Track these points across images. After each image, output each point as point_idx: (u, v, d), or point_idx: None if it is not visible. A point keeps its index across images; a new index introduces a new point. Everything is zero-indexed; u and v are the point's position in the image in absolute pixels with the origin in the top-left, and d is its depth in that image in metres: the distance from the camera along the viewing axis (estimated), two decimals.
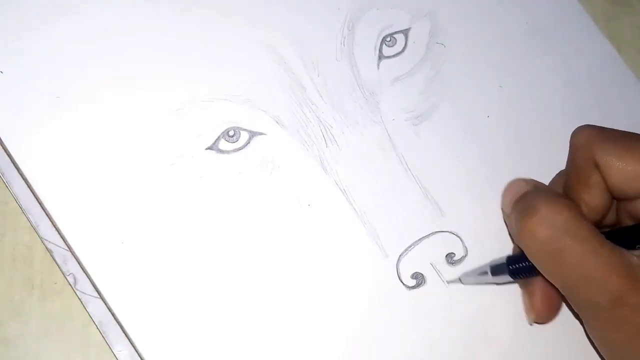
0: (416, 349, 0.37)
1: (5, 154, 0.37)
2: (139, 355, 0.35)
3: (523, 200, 0.35)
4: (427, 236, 0.38)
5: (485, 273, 0.36)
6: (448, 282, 0.38)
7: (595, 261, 0.31)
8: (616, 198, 0.34)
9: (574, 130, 0.35)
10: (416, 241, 0.38)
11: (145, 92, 0.38)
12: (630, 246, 0.32)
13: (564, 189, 0.36)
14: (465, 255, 0.38)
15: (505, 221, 0.38)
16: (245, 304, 0.36)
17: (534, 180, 0.37)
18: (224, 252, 0.37)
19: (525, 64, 0.42)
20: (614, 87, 0.43)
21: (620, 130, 0.34)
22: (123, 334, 0.36)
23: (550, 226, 0.32)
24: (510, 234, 0.38)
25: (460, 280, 0.38)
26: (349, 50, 0.40)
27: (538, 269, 0.34)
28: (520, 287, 0.38)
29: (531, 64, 0.42)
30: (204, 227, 0.37)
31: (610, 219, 0.36)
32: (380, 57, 0.41)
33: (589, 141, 0.34)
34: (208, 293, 0.36)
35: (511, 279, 0.36)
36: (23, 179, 0.37)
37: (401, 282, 0.38)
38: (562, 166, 0.40)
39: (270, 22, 0.40)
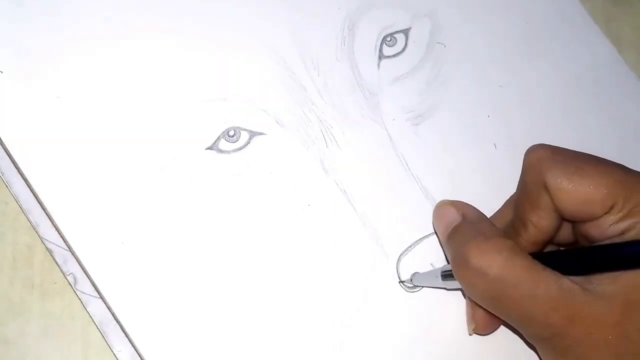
0: (416, 349, 0.37)
1: (5, 154, 0.37)
2: (139, 355, 0.35)
3: (454, 241, 0.34)
4: (427, 236, 0.38)
5: (436, 277, 0.36)
6: (399, 281, 0.38)
7: (533, 302, 0.31)
8: (566, 220, 0.34)
9: (528, 149, 0.34)
10: (416, 241, 0.38)
11: (145, 92, 0.38)
12: (574, 271, 0.31)
13: (515, 207, 0.35)
14: None
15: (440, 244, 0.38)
16: (245, 304, 0.36)
17: (463, 204, 0.36)
18: (224, 252, 0.37)
19: (525, 64, 0.42)
20: (614, 87, 0.43)
21: (574, 152, 0.33)
22: (123, 334, 0.36)
23: (484, 276, 0.31)
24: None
25: (411, 280, 0.38)
26: (349, 50, 0.40)
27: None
28: (464, 296, 0.38)
29: (531, 64, 0.42)
30: (204, 227, 0.37)
31: (566, 237, 0.35)
32: (381, 56, 0.41)
33: (539, 161, 0.33)
34: (208, 293, 0.36)
35: (460, 287, 0.35)
36: (23, 179, 0.37)
37: (401, 282, 0.38)
38: None
39: (271, 22, 0.40)
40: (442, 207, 0.36)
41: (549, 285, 0.30)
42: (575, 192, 0.32)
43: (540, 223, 0.33)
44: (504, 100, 0.42)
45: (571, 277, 0.31)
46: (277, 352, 0.36)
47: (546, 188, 0.32)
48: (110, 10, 0.39)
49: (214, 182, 0.37)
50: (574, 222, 0.34)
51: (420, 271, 0.38)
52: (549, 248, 0.36)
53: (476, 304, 0.35)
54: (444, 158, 0.40)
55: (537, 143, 0.34)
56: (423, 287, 0.38)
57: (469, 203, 0.36)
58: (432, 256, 0.38)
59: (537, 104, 0.42)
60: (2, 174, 0.38)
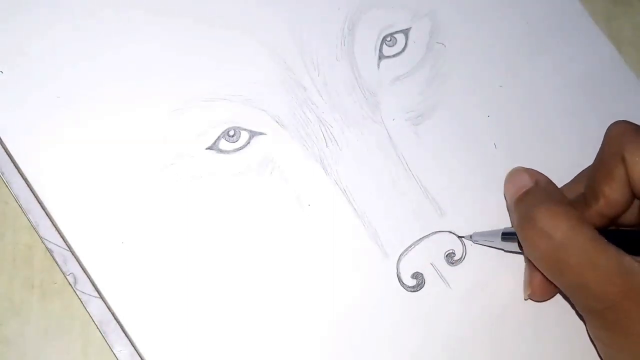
0: (416, 349, 0.37)
1: (5, 153, 0.37)
2: (139, 355, 0.35)
3: (524, 203, 0.35)
4: (427, 236, 0.38)
5: (497, 236, 0.37)
6: (459, 236, 0.38)
7: (592, 272, 0.31)
8: (637, 197, 0.34)
9: (610, 124, 0.35)
10: (416, 241, 0.38)
11: (146, 92, 0.38)
12: (637, 250, 0.32)
13: (589, 177, 0.36)
14: (465, 255, 0.38)
15: (507, 208, 0.39)
16: (245, 304, 0.36)
17: (536, 172, 0.37)
18: (224, 252, 0.37)
19: (525, 64, 0.42)
20: (614, 87, 0.43)
21: None
22: (123, 334, 0.36)
23: (548, 239, 0.32)
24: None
25: (471, 237, 0.38)
26: (349, 50, 0.40)
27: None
28: (525, 260, 0.38)
29: (531, 64, 0.42)
30: (204, 227, 0.37)
31: (631, 219, 0.36)
32: (381, 57, 0.41)
33: (621, 134, 0.34)
34: (208, 293, 0.36)
35: (519, 250, 0.36)
36: (23, 178, 0.37)
37: (401, 282, 0.38)
38: (561, 166, 0.40)
39: (271, 23, 0.40)
40: (516, 172, 0.37)
41: (609, 259, 0.31)
42: None
43: (612, 195, 0.34)
44: (504, 100, 0.42)
45: (633, 256, 0.32)
46: (276, 352, 0.36)
47: (623, 160, 0.33)
48: (110, 10, 0.39)
49: (214, 182, 0.37)
50: None
51: (423, 271, 0.38)
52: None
53: (535, 269, 0.35)
54: (444, 158, 0.40)
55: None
56: (482, 245, 0.38)
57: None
58: (432, 256, 0.38)
59: (537, 104, 0.42)
60: (2, 174, 0.38)
